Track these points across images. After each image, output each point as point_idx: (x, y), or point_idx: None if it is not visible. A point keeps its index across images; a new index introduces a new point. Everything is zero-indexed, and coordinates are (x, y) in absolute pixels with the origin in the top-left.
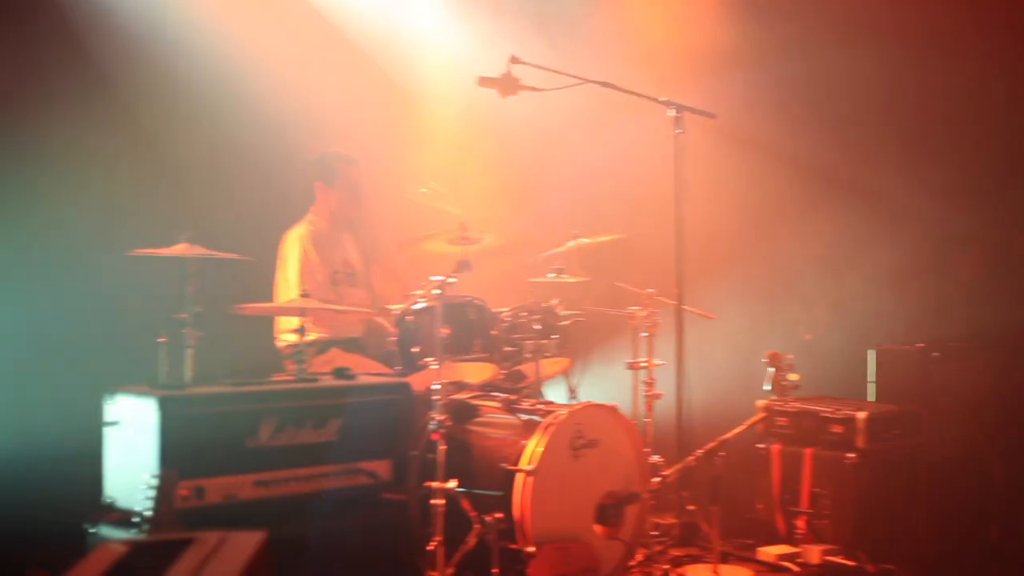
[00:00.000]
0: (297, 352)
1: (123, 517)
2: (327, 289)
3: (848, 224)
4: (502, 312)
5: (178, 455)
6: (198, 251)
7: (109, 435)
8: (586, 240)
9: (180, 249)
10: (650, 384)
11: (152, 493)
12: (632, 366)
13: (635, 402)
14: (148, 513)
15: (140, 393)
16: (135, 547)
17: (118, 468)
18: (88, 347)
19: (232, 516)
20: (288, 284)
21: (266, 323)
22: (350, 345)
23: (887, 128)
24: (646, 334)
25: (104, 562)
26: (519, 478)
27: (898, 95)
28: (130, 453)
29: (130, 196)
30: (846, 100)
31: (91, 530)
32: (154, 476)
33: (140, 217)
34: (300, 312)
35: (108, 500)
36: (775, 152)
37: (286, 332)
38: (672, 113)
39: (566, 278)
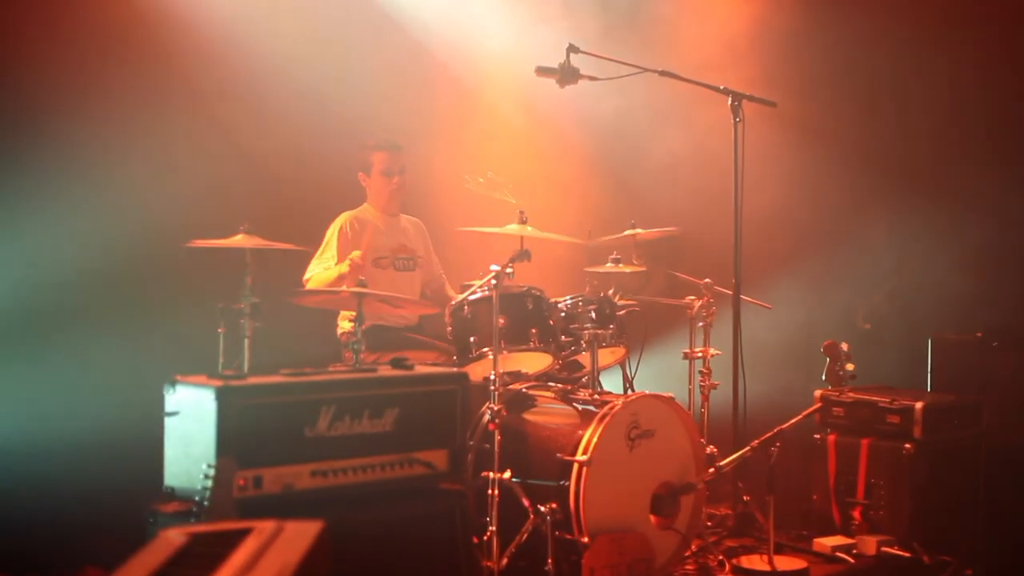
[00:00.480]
0: (355, 341)
1: (182, 506)
2: (372, 273)
3: (907, 213)
4: (559, 302)
5: (235, 445)
6: (256, 242)
7: (169, 425)
8: (642, 231)
9: (238, 240)
10: (706, 374)
11: (210, 482)
12: (688, 356)
13: (691, 392)
14: (206, 502)
15: (199, 384)
16: (194, 536)
17: (178, 458)
18: (150, 338)
19: (289, 505)
20: (316, 259)
21: (324, 312)
22: (405, 332)
23: (950, 117)
24: (702, 324)
25: (164, 551)
26: (575, 468)
27: (961, 84)
28: (189, 443)
29: (190, 188)
30: (909, 88)
31: (151, 519)
32: (212, 465)
33: (200, 208)
34: (355, 301)
35: (168, 489)
36: (835, 140)
37: (344, 320)
38: (732, 102)
39: (623, 268)
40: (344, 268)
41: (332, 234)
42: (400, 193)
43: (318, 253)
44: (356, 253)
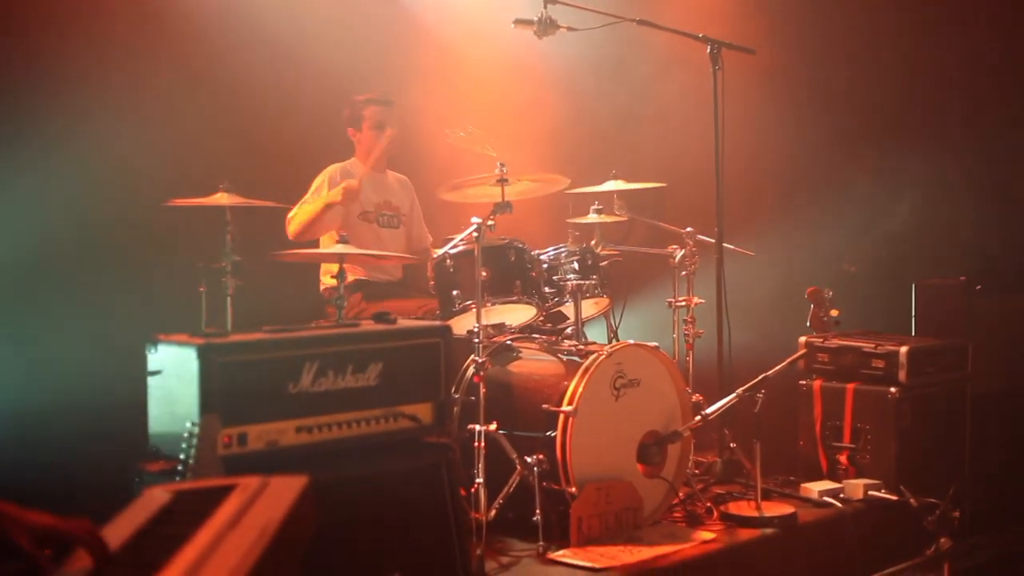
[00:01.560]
0: (337, 297)
1: (167, 465)
2: (356, 228)
3: (889, 158)
4: (541, 253)
5: (219, 402)
6: (236, 200)
7: (152, 384)
8: (623, 183)
9: (218, 198)
10: (690, 323)
11: (194, 440)
12: (672, 305)
13: (676, 341)
14: (191, 460)
15: (180, 342)
16: (178, 493)
17: (161, 416)
18: (131, 298)
19: (274, 462)
20: (299, 203)
21: (306, 270)
22: (391, 287)
23: (936, 60)
24: (686, 273)
25: (149, 508)
26: (560, 419)
27: (938, 24)
28: (172, 402)
29: (169, 146)
30: (886, 31)
31: (136, 478)
32: (196, 424)
33: (179, 167)
34: (338, 257)
35: (153, 448)
36: (815, 86)
37: (327, 275)
38: (710, 50)
39: (605, 218)
40: (336, 196)
41: (319, 181)
42: (391, 148)
43: (304, 198)
44: (352, 182)
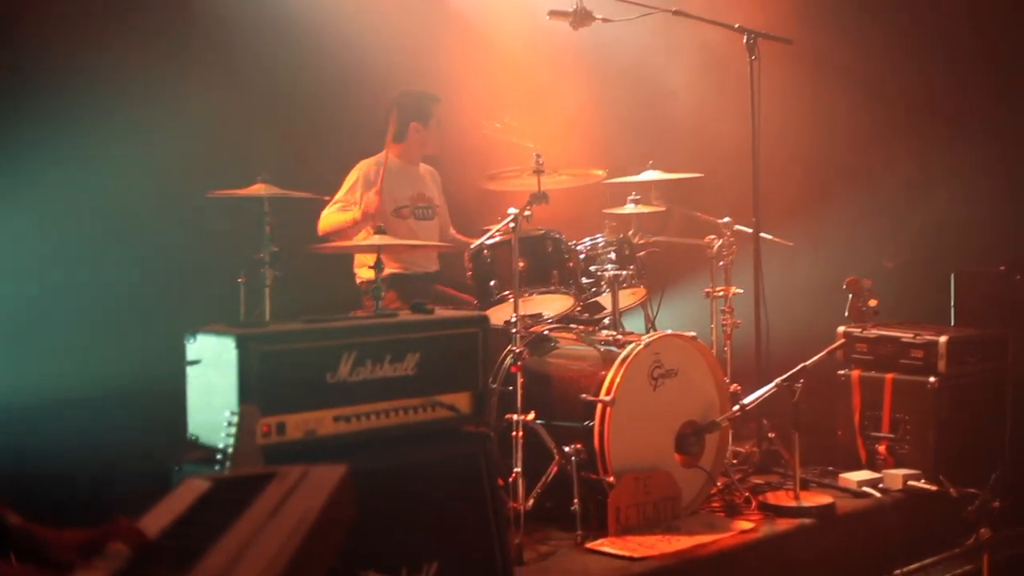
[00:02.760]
0: (374, 288)
1: (206, 454)
2: (392, 222)
3: (928, 147)
4: (578, 244)
5: (258, 392)
6: (274, 191)
7: (191, 374)
8: (661, 173)
9: (256, 189)
10: (728, 313)
11: (233, 430)
12: (710, 295)
13: (713, 331)
14: (230, 450)
15: (219, 332)
16: (218, 482)
17: (200, 407)
18: (169, 288)
19: (313, 451)
20: (331, 202)
21: (344, 261)
22: (427, 280)
23: (974, 48)
24: (723, 263)
25: (189, 497)
26: (598, 409)
27: (983, 16)
28: (211, 391)
29: (208, 139)
30: (927, 20)
31: (175, 468)
32: (235, 413)
33: (217, 159)
34: (374, 248)
35: (192, 438)
36: (854, 77)
37: (362, 268)
38: (747, 40)
39: (642, 208)
40: (357, 213)
41: (352, 179)
42: (441, 145)
43: (336, 196)
44: (371, 195)
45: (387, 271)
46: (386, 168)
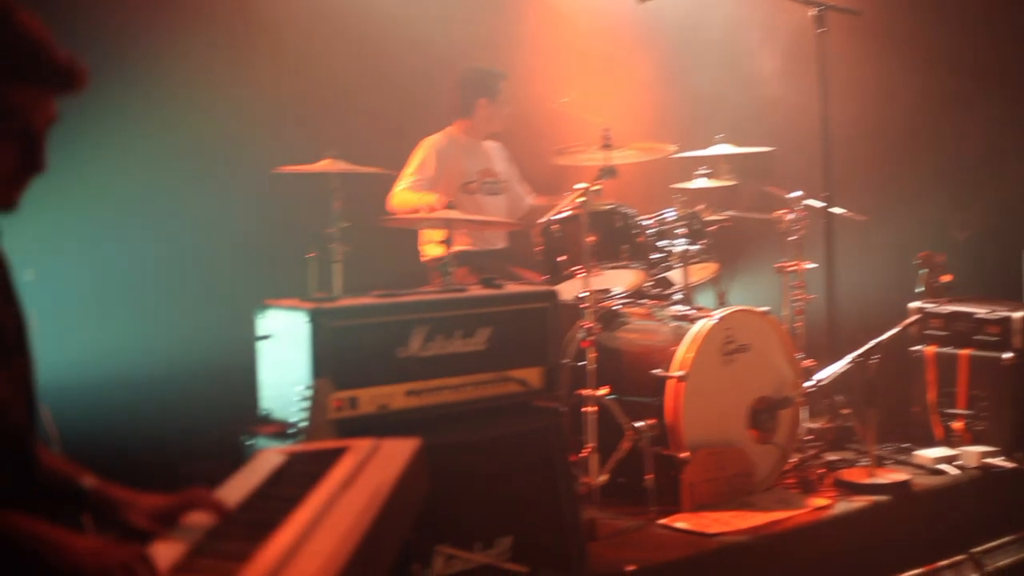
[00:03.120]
0: (443, 264)
1: (279, 428)
2: (460, 199)
3: (1000, 119)
4: (648, 218)
5: (330, 366)
6: (342, 166)
7: (262, 349)
8: (730, 147)
9: (324, 165)
10: (800, 288)
11: (306, 404)
12: (781, 270)
13: (785, 306)
14: (303, 424)
15: (291, 307)
16: (292, 455)
17: (272, 381)
18: (239, 263)
19: (385, 426)
20: (400, 182)
21: (412, 237)
22: (494, 257)
23: None
24: (795, 237)
25: (263, 470)
26: (670, 384)
27: None
28: (283, 366)
29: (276, 114)
30: None
31: (248, 442)
32: (307, 387)
33: (287, 134)
34: (444, 224)
35: (264, 412)
36: (924, 48)
37: (430, 244)
38: (814, 12)
39: (712, 183)
40: (426, 201)
41: (422, 155)
42: (509, 121)
43: (405, 172)
44: (434, 199)
45: (455, 248)
46: (447, 144)
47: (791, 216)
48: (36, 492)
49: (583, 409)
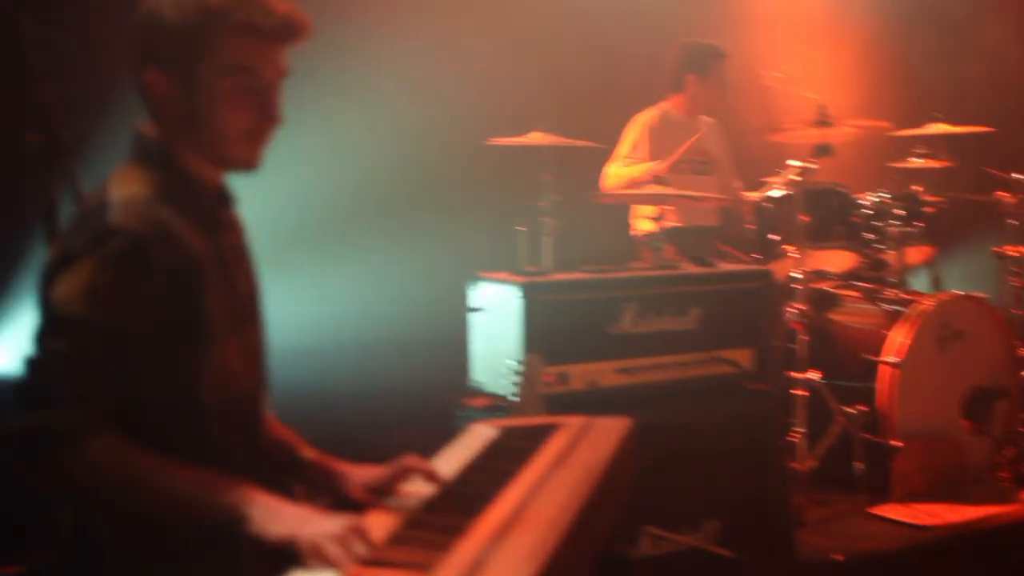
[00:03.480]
0: (654, 240)
1: (489, 401)
2: (666, 176)
3: None
4: (863, 198)
5: (541, 341)
6: (552, 139)
7: (474, 321)
8: (947, 126)
9: (536, 138)
10: (1019, 273)
11: (517, 378)
12: (1000, 254)
13: (1003, 292)
14: (514, 398)
15: (503, 280)
16: (504, 429)
17: (484, 353)
18: (452, 234)
19: (594, 403)
20: (613, 162)
21: (620, 213)
22: (706, 233)
23: None
24: (1014, 221)
25: (476, 443)
26: (883, 370)
27: None
28: (495, 338)
29: (489, 87)
30: None
31: (459, 413)
32: (519, 362)
33: (498, 107)
34: (655, 199)
35: (475, 384)
36: None
37: (642, 219)
38: None
39: (929, 163)
40: (644, 171)
41: (636, 133)
42: (724, 101)
43: (619, 151)
44: (658, 165)
45: (665, 224)
46: (661, 120)
47: (1012, 199)
48: (259, 458)
49: (793, 392)
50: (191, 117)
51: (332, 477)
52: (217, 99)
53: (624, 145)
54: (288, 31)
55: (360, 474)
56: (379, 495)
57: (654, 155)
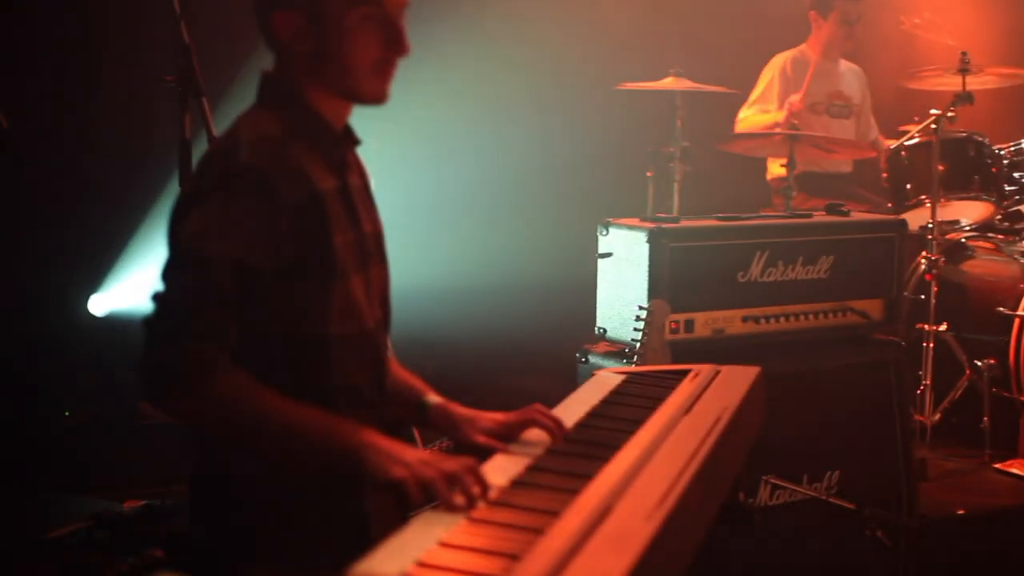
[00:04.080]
0: (786, 187)
1: (613, 347)
2: (805, 119)
3: None
4: (1003, 148)
5: (668, 287)
6: (685, 84)
7: (602, 267)
8: None
9: (667, 83)
10: None
11: (642, 325)
12: None
13: None
14: (638, 344)
15: (631, 226)
16: (631, 376)
17: (610, 299)
18: (579, 180)
19: (719, 351)
20: (746, 108)
21: (751, 158)
22: (839, 180)
23: None
24: None
25: (602, 389)
26: (1016, 324)
27: None
28: (621, 285)
29: (621, 31)
30: None
31: (582, 359)
32: (644, 308)
33: (630, 51)
34: (787, 142)
35: (600, 330)
36: None
37: (775, 164)
38: None
39: None
40: (779, 116)
41: (769, 76)
42: (849, 43)
43: (752, 96)
44: (794, 97)
45: (798, 169)
46: (797, 63)
47: None
48: (383, 397)
49: (922, 344)
50: (320, 54)
51: (456, 422)
52: (345, 32)
53: (756, 90)
54: None
55: (484, 420)
56: (503, 441)
57: (783, 99)
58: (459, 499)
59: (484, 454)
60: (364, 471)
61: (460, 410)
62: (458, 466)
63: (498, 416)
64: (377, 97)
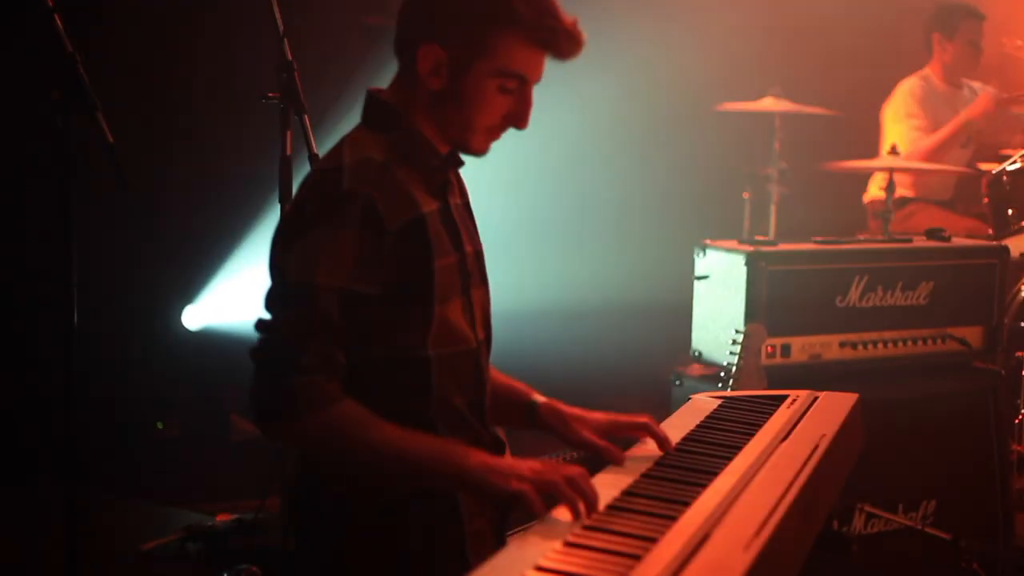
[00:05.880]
0: (884, 210)
1: (708, 370)
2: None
3: None
4: None
5: (765, 311)
6: (785, 106)
7: (698, 289)
8: None
9: (767, 104)
10: None
11: (738, 348)
12: None
13: None
14: (734, 368)
15: (729, 248)
16: (727, 400)
17: (705, 322)
18: (676, 201)
19: (816, 376)
20: (889, 137)
21: (850, 182)
22: (940, 207)
23: None
24: None
25: (698, 414)
26: None
27: None
28: (717, 307)
29: (724, 51)
30: None
31: (676, 381)
32: (740, 331)
33: (731, 71)
34: (888, 170)
35: (695, 352)
36: None
37: (873, 187)
38: None
39: None
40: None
41: (910, 106)
42: (975, 67)
43: (894, 118)
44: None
45: (898, 193)
46: (927, 86)
47: None
48: (483, 419)
49: (1021, 372)
50: (448, 97)
51: (567, 419)
52: (481, 91)
53: (898, 115)
54: (571, 49)
55: (594, 418)
56: (608, 439)
57: (931, 120)
58: (580, 504)
59: (590, 461)
60: (482, 492)
61: (569, 408)
62: (574, 471)
63: (608, 416)
64: (479, 152)
